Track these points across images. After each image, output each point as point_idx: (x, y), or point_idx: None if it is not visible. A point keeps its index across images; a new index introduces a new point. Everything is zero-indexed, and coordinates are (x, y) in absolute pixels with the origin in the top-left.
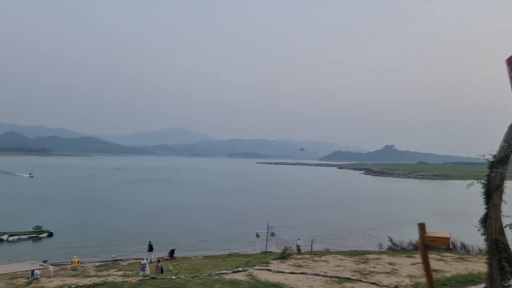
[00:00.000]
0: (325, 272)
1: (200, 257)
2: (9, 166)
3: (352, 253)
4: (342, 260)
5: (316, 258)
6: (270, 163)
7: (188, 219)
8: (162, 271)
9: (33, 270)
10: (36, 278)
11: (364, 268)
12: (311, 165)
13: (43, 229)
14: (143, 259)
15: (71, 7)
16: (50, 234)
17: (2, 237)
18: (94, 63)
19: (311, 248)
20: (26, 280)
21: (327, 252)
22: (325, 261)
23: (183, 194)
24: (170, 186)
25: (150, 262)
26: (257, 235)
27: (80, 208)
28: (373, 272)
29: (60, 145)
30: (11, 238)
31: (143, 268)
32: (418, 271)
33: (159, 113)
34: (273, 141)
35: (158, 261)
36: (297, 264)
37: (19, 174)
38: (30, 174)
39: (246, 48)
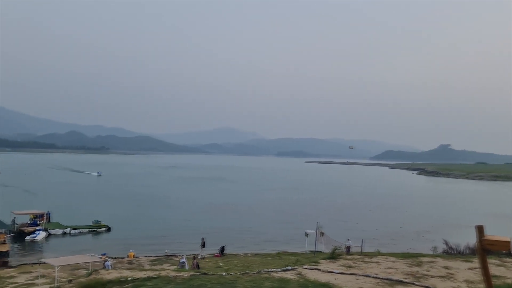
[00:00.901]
0: (376, 274)
1: (250, 255)
2: (80, 165)
3: (404, 255)
4: (394, 262)
5: (367, 259)
6: (320, 162)
7: (239, 217)
8: (198, 268)
9: (105, 261)
10: (97, 270)
11: (417, 271)
12: (361, 165)
13: (102, 223)
14: (181, 257)
15: (137, 6)
16: (108, 229)
17: (65, 230)
18: (155, 63)
19: (362, 248)
20: (87, 272)
21: (378, 253)
22: (376, 262)
23: (234, 192)
24: (221, 184)
25: (202, 258)
26: (306, 234)
27: (137, 204)
28: (427, 275)
29: (117, 143)
30: (73, 231)
31: (182, 266)
32: (476, 276)
33: (210, 112)
34: (322, 140)
35: (194, 258)
36: (347, 265)
37: (89, 173)
38: (98, 172)
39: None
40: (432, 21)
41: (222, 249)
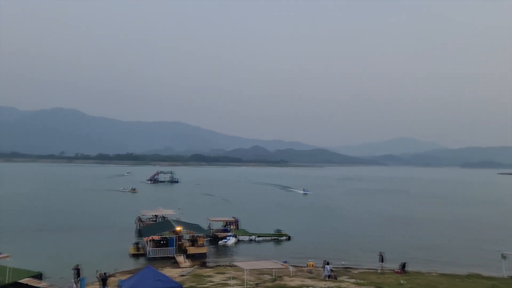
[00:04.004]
0: None
1: (435, 274)
2: (264, 177)
3: None
4: None
5: None
6: None
7: (420, 231)
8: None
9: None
10: (280, 276)
11: None
12: None
13: (283, 232)
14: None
15: None
16: (289, 238)
17: (251, 237)
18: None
19: None
20: (271, 277)
21: None
22: None
23: (413, 205)
24: (399, 197)
25: (381, 273)
26: (503, 256)
27: (315, 215)
28: None
29: (294, 156)
30: (258, 238)
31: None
32: None
33: (386, 123)
34: None
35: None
36: None
37: (295, 190)
38: (304, 190)
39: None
40: None
41: (403, 266)
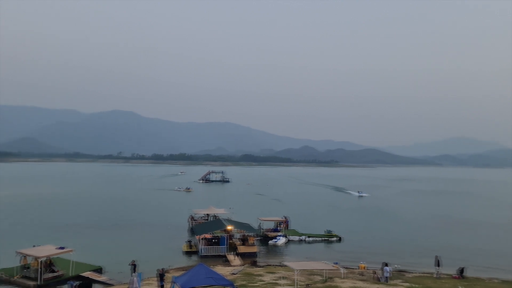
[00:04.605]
0: None
1: (496, 281)
2: (315, 178)
3: None
4: None
5: None
6: None
7: (480, 236)
8: None
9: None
10: (331, 277)
11: None
12: None
13: (333, 233)
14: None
15: None
16: (339, 239)
17: (301, 237)
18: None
19: None
20: (322, 278)
21: None
22: None
23: (473, 207)
24: (456, 198)
25: (438, 278)
26: None
27: (367, 216)
28: None
29: (345, 157)
30: (308, 238)
31: None
32: None
33: (441, 122)
34: None
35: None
36: None
37: (350, 192)
38: (359, 193)
39: None
40: None
41: (461, 271)
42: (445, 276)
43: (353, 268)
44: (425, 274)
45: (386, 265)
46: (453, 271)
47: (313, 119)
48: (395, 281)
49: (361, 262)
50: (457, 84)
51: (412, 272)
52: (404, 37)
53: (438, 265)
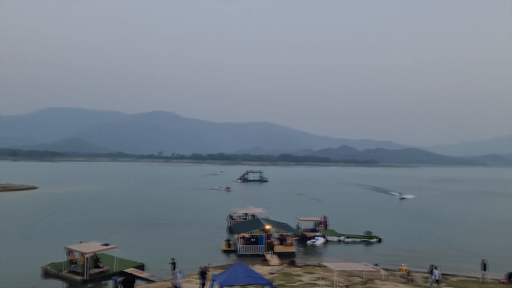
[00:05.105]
0: None
1: None
2: (354, 178)
3: None
4: None
5: None
6: None
7: None
8: None
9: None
10: (371, 279)
11: None
12: None
13: (373, 234)
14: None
15: None
16: (379, 240)
17: (340, 238)
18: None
19: None
20: (361, 280)
21: None
22: None
23: None
24: (506, 200)
25: (484, 282)
26: None
27: (408, 217)
28: None
29: (385, 156)
30: (347, 239)
31: None
32: None
33: (489, 120)
34: None
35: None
36: None
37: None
38: (400, 194)
39: None
40: None
41: (510, 276)
42: (492, 281)
43: (393, 270)
44: (471, 278)
45: (435, 268)
46: (501, 276)
47: (351, 118)
48: (439, 285)
49: (403, 264)
50: (506, 79)
51: (456, 276)
52: (454, 30)
53: (485, 269)
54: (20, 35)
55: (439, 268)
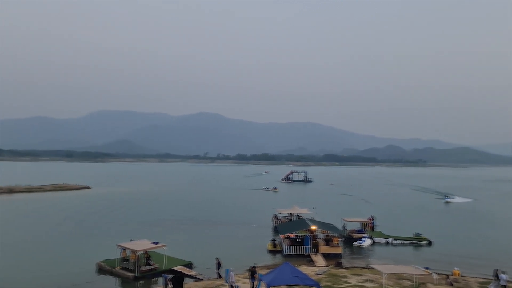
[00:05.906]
0: None
1: None
2: (402, 178)
3: None
4: None
5: None
6: None
7: None
8: None
9: (496, 274)
10: (423, 283)
11: None
12: None
13: (423, 236)
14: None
15: None
16: (429, 243)
17: (387, 239)
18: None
19: None
20: (412, 283)
21: None
22: None
23: None
24: None
25: None
26: None
27: (460, 219)
28: None
29: (434, 156)
30: (395, 241)
31: None
32: None
33: None
34: None
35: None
36: None
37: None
38: (445, 197)
39: None
40: None
41: None
42: None
43: (446, 274)
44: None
45: (502, 272)
46: None
47: (398, 117)
48: None
49: (455, 268)
50: None
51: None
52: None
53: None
54: (74, 43)
55: (506, 273)
